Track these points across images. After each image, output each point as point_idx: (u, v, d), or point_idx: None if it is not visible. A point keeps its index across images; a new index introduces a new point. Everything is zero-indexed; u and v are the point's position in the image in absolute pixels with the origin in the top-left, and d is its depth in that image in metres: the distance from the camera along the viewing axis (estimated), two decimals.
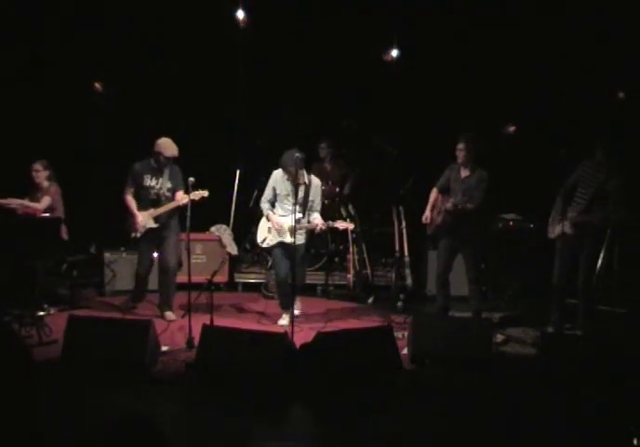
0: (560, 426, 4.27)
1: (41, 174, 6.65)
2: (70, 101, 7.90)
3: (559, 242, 5.94)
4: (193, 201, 5.80)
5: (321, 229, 6.17)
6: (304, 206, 6.15)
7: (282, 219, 6.18)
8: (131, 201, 6.36)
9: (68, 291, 6.89)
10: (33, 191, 6.70)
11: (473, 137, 6.05)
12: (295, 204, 5.91)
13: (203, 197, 5.99)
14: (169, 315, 6.37)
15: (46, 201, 6.59)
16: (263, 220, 6.36)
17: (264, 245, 6.36)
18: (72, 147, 7.79)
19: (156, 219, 6.32)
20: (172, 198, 6.32)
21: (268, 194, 6.28)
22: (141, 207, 6.35)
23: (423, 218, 6.27)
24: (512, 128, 8.04)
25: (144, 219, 6.29)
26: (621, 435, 3.87)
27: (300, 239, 6.19)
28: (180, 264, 6.63)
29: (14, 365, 1.93)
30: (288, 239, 6.05)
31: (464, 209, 5.94)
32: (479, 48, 7.80)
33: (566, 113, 7.47)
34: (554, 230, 5.95)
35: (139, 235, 6.36)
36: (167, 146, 6.20)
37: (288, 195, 6.14)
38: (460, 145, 6.03)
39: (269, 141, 7.93)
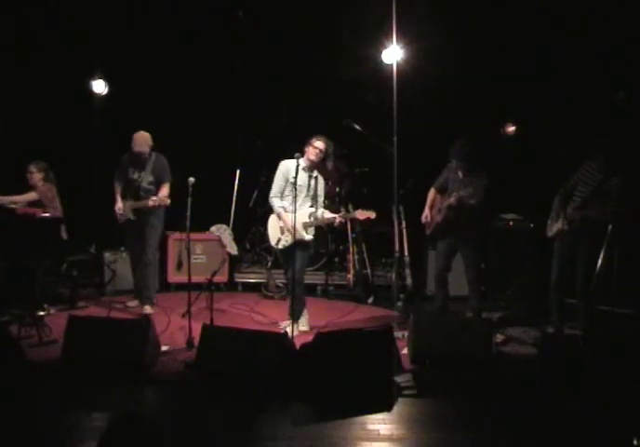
0: (560, 426, 4.27)
1: (35, 176, 6.69)
2: (70, 101, 7.90)
3: (557, 241, 5.94)
4: (155, 206, 6.17)
5: (340, 222, 5.96)
6: (315, 200, 5.95)
7: (298, 214, 5.75)
8: (115, 186, 6.57)
9: (68, 291, 6.89)
10: (28, 191, 6.70)
11: (460, 148, 5.98)
12: (307, 196, 5.87)
13: (164, 204, 6.20)
14: (147, 308, 6.45)
15: (29, 196, 6.63)
16: (273, 218, 6.05)
17: (280, 246, 5.95)
18: (72, 147, 7.79)
19: (135, 212, 6.43)
20: (154, 192, 6.39)
21: (279, 186, 5.91)
22: (126, 198, 6.53)
23: (423, 217, 6.27)
24: (511, 129, 8.03)
25: (124, 207, 6.45)
26: (621, 435, 3.87)
27: (311, 235, 5.95)
28: (180, 264, 6.64)
29: (7, 365, 1.94)
30: (307, 236, 5.84)
31: (467, 204, 5.91)
32: (479, 48, 7.80)
33: (567, 113, 7.47)
34: (552, 229, 5.96)
35: (120, 222, 6.54)
36: (135, 142, 6.34)
37: (302, 185, 5.84)
38: (453, 163, 6.06)
39: (269, 141, 7.94)
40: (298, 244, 5.85)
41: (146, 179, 6.43)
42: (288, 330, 5.63)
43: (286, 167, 5.89)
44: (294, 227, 5.66)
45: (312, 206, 5.94)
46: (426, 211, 6.26)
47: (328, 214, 5.97)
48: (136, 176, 6.46)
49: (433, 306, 6.41)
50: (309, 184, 5.90)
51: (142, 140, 6.36)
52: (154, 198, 6.19)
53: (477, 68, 7.85)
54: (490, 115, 7.86)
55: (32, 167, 6.72)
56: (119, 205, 6.49)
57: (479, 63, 7.83)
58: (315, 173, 6.04)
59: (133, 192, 6.47)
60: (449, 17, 7.78)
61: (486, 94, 7.77)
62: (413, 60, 7.62)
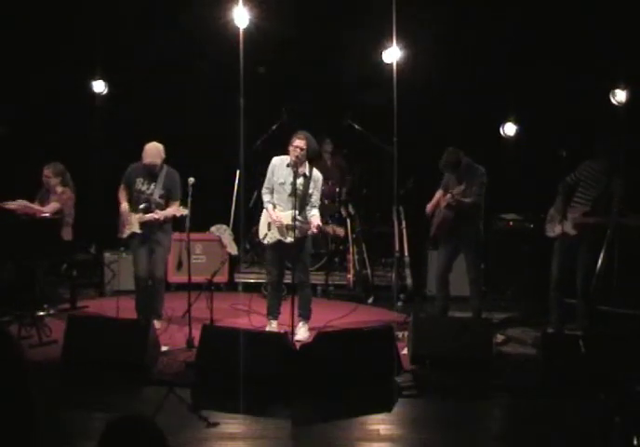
0: (560, 426, 4.27)
1: (52, 181, 6.51)
2: (69, 101, 7.91)
3: (558, 242, 5.93)
4: (174, 217, 5.87)
5: (313, 232, 5.75)
6: (302, 200, 5.76)
7: (281, 215, 5.79)
8: (122, 198, 6.13)
9: (68, 291, 6.88)
10: (43, 192, 6.62)
11: (446, 160, 5.94)
12: (291, 195, 5.64)
13: (182, 215, 5.82)
14: (155, 323, 5.93)
15: (53, 206, 6.45)
16: (264, 214, 6.00)
17: (265, 241, 5.92)
18: (71, 147, 7.78)
19: (142, 225, 6.01)
20: (164, 206, 6.02)
21: (267, 181, 5.92)
22: (132, 210, 6.08)
23: (428, 208, 6.18)
24: (511, 129, 8.03)
25: (131, 219, 6.03)
26: (622, 435, 3.87)
27: (291, 238, 5.74)
28: (180, 264, 6.60)
29: (7, 365, 1.93)
30: (288, 239, 5.72)
31: (463, 203, 5.89)
32: (479, 48, 7.80)
33: (567, 112, 7.47)
34: (554, 229, 5.94)
35: (124, 236, 6.12)
36: (146, 153, 5.96)
37: (284, 183, 5.76)
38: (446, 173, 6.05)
39: (269, 141, 7.93)
40: (281, 245, 5.82)
41: (157, 192, 6.01)
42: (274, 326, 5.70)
43: (273, 163, 5.90)
44: (290, 221, 5.63)
45: (296, 207, 5.64)
46: (429, 206, 6.19)
47: (315, 220, 5.77)
48: (145, 188, 6.05)
49: (434, 307, 6.40)
50: (294, 183, 5.70)
51: (155, 151, 5.97)
52: (159, 212, 5.90)
53: (478, 68, 7.85)
54: (490, 115, 7.85)
55: (47, 171, 6.48)
56: (124, 205, 6.05)
57: (480, 63, 7.83)
58: (305, 171, 5.79)
59: (142, 205, 6.01)
60: (450, 16, 7.79)
61: (487, 94, 7.77)
62: (413, 59, 7.64)
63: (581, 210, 5.80)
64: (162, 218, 5.92)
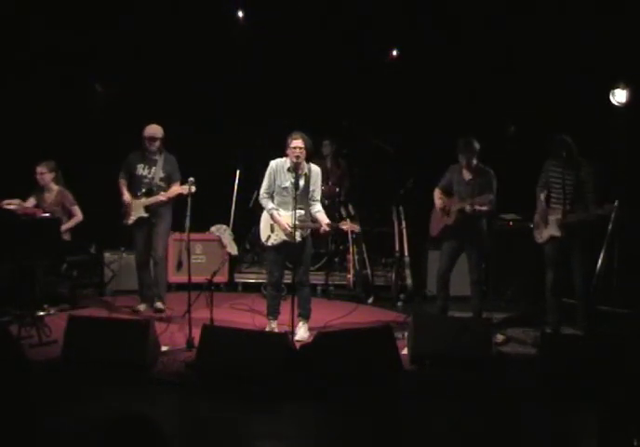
0: (560, 427, 4.27)
1: (46, 176, 6.69)
2: (69, 100, 7.91)
3: (549, 246, 5.89)
4: (180, 195, 6.02)
5: (325, 231, 5.76)
6: (306, 199, 5.77)
7: (284, 216, 5.76)
8: (122, 185, 6.46)
9: (68, 291, 6.89)
10: (37, 192, 6.77)
11: (466, 145, 5.93)
12: (295, 197, 5.61)
13: (190, 192, 5.77)
14: (158, 304, 6.42)
15: (79, 211, 6.82)
16: (265, 216, 5.95)
17: (269, 244, 5.88)
18: (71, 147, 7.78)
19: (147, 209, 6.36)
20: (166, 189, 6.36)
21: (268, 186, 5.85)
22: (135, 196, 6.41)
23: (439, 208, 6.13)
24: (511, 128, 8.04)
25: (135, 206, 6.36)
26: (622, 435, 3.87)
27: (304, 234, 5.83)
28: (180, 264, 6.62)
29: (7, 365, 1.94)
30: (296, 239, 5.71)
31: (481, 212, 5.89)
32: (479, 48, 7.81)
33: (566, 112, 7.47)
34: (542, 235, 5.91)
35: (130, 222, 6.42)
36: (148, 129, 6.32)
37: (287, 187, 5.75)
38: (458, 163, 6.00)
39: (269, 141, 7.93)
40: (286, 245, 5.80)
41: (158, 175, 6.36)
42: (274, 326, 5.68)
43: (273, 167, 5.84)
44: (294, 226, 5.62)
45: (302, 207, 5.72)
46: (438, 204, 6.12)
47: (323, 217, 5.81)
48: (146, 172, 6.38)
49: (435, 307, 6.40)
50: (296, 186, 5.70)
51: (156, 127, 6.34)
52: (164, 193, 6.26)
53: (478, 67, 7.86)
54: (491, 115, 7.86)
55: (42, 168, 6.67)
56: (127, 196, 6.38)
57: (479, 63, 7.84)
58: (304, 170, 5.77)
59: (145, 189, 6.37)
60: (450, 16, 7.80)
61: (487, 94, 7.78)
62: (414, 59, 7.65)
63: (561, 210, 5.78)
64: (167, 199, 6.30)
